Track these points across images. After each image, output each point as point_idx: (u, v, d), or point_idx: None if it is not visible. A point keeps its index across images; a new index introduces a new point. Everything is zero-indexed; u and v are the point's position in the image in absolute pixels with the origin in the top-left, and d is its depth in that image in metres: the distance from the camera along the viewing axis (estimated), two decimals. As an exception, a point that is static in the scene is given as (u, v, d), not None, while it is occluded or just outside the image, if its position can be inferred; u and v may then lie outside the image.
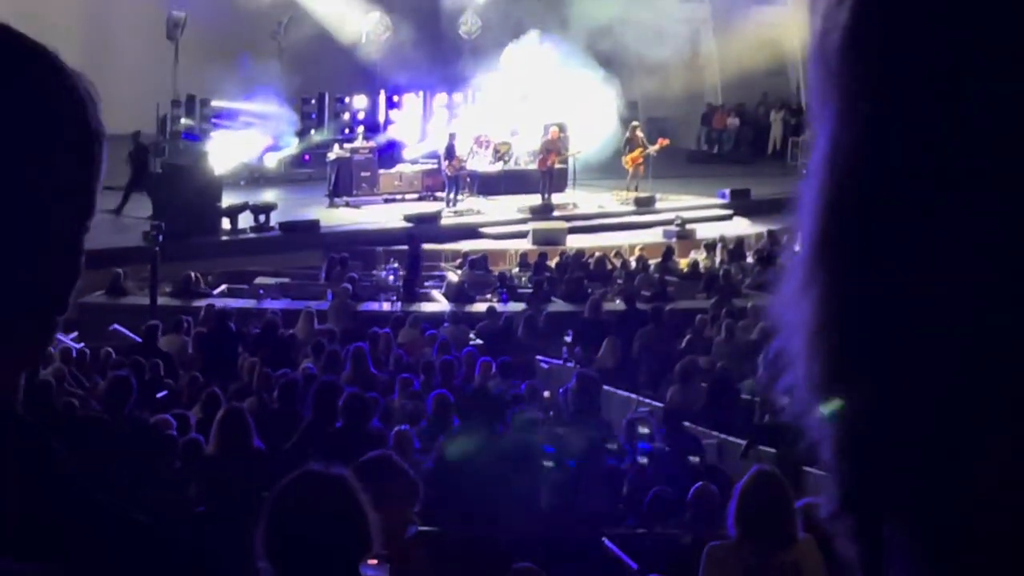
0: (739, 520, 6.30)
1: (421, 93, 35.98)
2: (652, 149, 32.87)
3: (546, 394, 14.92)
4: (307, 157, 34.68)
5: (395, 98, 36.08)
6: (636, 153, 32.71)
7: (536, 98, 34.17)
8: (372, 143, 33.62)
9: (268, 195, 30.72)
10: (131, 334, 19.86)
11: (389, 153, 34.10)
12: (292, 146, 34.65)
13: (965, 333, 0.78)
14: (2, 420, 1.29)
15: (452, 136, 32.18)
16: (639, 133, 33.23)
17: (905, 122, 0.80)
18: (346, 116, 35.47)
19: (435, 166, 32.78)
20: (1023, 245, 0.76)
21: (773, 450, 13.11)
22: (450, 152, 31.56)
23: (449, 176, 31.52)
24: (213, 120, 33.91)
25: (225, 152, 31.70)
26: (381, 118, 35.71)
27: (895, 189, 0.81)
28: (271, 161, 33.95)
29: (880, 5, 0.82)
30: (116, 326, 20.74)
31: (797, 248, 0.88)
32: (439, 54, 37.01)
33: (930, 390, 0.79)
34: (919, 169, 0.80)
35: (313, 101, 35.75)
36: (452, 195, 31.38)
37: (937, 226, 0.79)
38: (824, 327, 0.84)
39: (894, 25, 0.81)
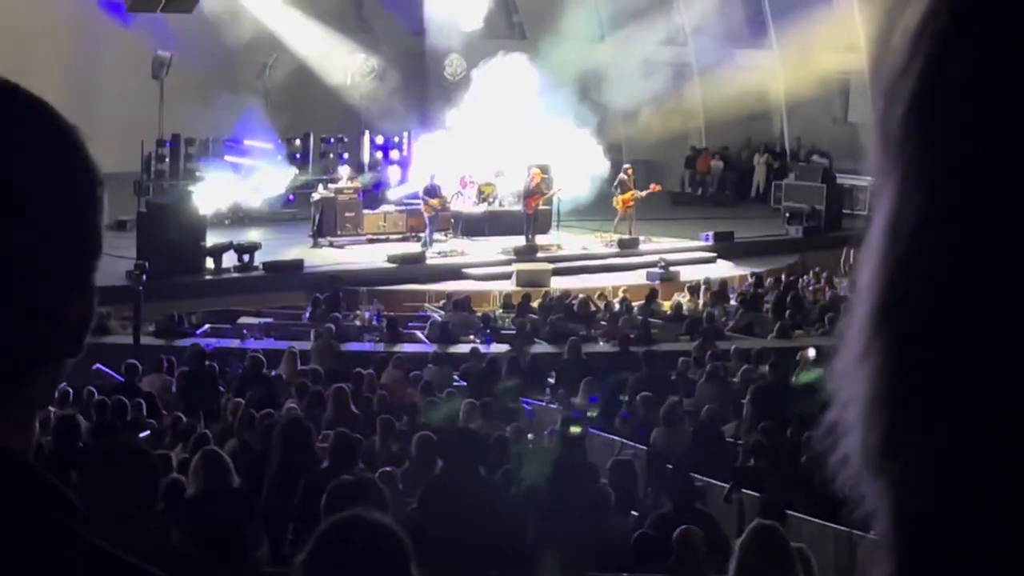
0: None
1: (405, 134, 36.06)
2: (643, 194, 32.90)
3: (530, 436, 14.92)
4: (291, 197, 34.68)
5: (379, 139, 36.15)
6: (627, 196, 32.75)
7: (519, 135, 34.19)
8: (356, 183, 33.63)
9: (252, 235, 30.71)
10: (114, 374, 19.79)
11: (373, 193, 34.13)
12: (277, 185, 34.62)
13: None
14: (15, 471, 1.30)
15: (432, 177, 32.23)
16: (630, 175, 33.27)
17: (974, 193, 0.80)
18: (331, 156, 35.51)
19: (419, 206, 32.82)
20: None
21: (756, 494, 13.11)
22: (429, 192, 31.63)
23: (429, 216, 31.56)
24: (198, 159, 33.93)
25: (210, 191, 31.69)
26: (365, 159, 35.76)
27: (960, 263, 0.80)
28: (256, 200, 33.92)
29: (952, 76, 0.81)
30: (99, 365, 20.67)
31: (856, 319, 0.86)
32: (424, 96, 37.13)
33: (986, 468, 0.79)
34: (987, 242, 0.79)
35: (298, 141, 35.78)
36: (429, 235, 31.41)
37: (1001, 302, 0.79)
38: (881, 398, 0.84)
39: (967, 93, 0.80)
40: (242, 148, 34.27)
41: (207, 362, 19.35)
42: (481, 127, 34.51)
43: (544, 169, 33.20)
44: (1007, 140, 0.78)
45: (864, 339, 0.84)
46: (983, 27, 0.81)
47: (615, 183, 33.21)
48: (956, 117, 0.81)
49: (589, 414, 16.63)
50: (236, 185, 33.15)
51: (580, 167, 34.25)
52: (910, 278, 0.82)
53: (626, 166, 33.87)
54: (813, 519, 12.16)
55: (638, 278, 29.89)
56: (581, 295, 27.17)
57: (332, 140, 35.73)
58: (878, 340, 0.83)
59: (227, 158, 33.89)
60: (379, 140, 36.09)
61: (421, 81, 39.05)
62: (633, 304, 26.33)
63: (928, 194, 0.82)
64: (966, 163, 0.80)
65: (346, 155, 35.53)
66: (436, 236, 31.80)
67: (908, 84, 0.83)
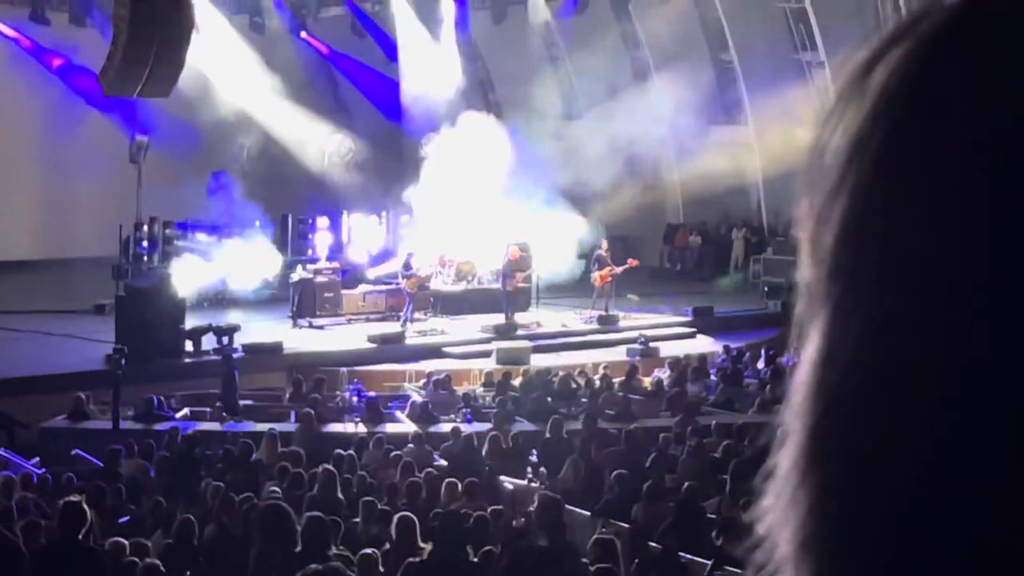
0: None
1: (384, 213, 36.14)
2: (620, 270, 33.03)
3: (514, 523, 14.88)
4: (270, 278, 34.67)
5: (358, 218, 36.22)
6: (605, 272, 32.86)
7: (495, 212, 34.29)
8: (335, 264, 33.70)
9: (231, 317, 30.67)
10: (93, 459, 19.72)
11: (352, 274, 34.17)
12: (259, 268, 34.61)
13: (964, 554, 0.77)
14: None
15: (410, 255, 32.28)
16: (607, 250, 33.41)
17: (910, 320, 0.79)
18: (309, 237, 35.54)
19: (398, 286, 32.87)
20: None
21: (739, 571, 13.06)
22: (407, 268, 31.68)
23: (410, 293, 31.58)
24: (177, 242, 33.92)
25: (189, 274, 31.69)
26: (344, 239, 35.80)
27: (895, 396, 0.79)
28: (235, 282, 33.91)
29: (879, 199, 0.82)
30: (78, 451, 20.58)
31: (786, 453, 0.85)
32: (401, 176, 37.24)
33: None
34: (926, 373, 0.78)
35: (276, 223, 35.81)
36: (409, 313, 31.41)
37: (938, 436, 0.78)
38: (813, 537, 0.82)
39: (896, 217, 0.81)
40: (219, 229, 34.26)
41: (186, 446, 19.29)
42: (455, 201, 34.61)
43: (522, 247, 33.29)
44: (940, 273, 0.78)
45: (793, 483, 0.83)
46: (916, 154, 0.81)
47: (592, 259, 33.32)
48: (891, 236, 0.81)
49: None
50: (214, 267, 33.13)
51: (558, 244, 34.36)
52: (841, 424, 0.81)
53: (602, 242, 33.99)
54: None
55: (618, 355, 29.90)
56: (561, 372, 27.15)
57: (311, 221, 35.74)
58: (806, 486, 0.82)
59: (203, 239, 33.87)
60: (357, 220, 36.12)
61: (398, 161, 39.21)
62: (614, 381, 26.32)
63: (864, 321, 0.81)
64: (900, 299, 0.79)
65: (323, 235, 35.50)
66: (417, 315, 31.79)
67: (838, 208, 0.83)
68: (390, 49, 40.36)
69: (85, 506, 11.02)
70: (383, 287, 33.88)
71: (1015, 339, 0.76)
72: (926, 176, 0.80)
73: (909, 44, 0.84)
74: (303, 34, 39.55)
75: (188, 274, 31.32)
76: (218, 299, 33.31)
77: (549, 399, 24.34)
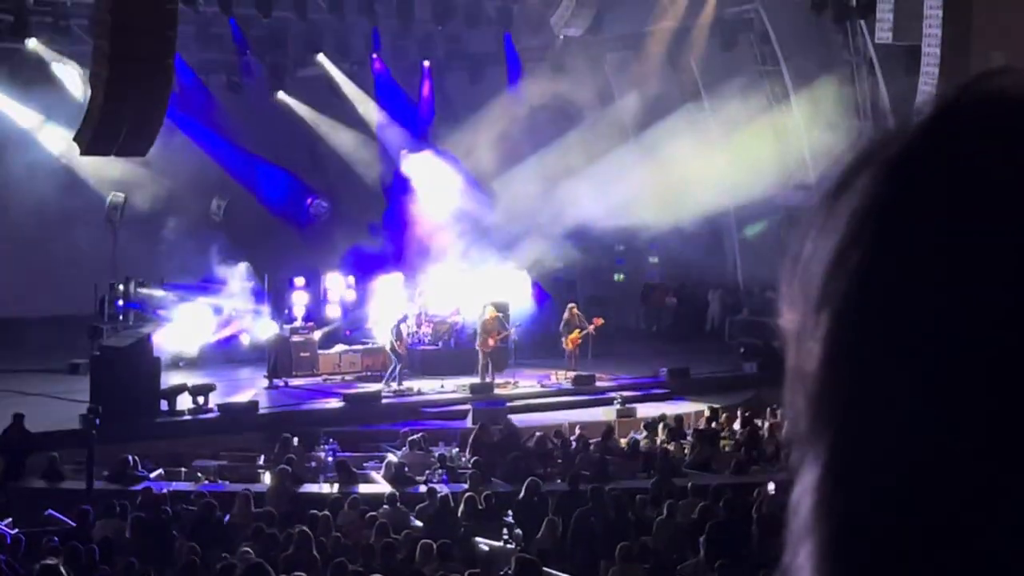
0: None
1: (360, 274, 36.16)
2: (590, 328, 33.14)
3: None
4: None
5: (334, 279, 36.22)
6: (575, 334, 32.97)
7: (472, 273, 34.39)
8: (311, 324, 33.70)
9: (207, 376, 30.60)
10: (67, 519, 19.60)
11: (329, 334, 34.14)
12: (232, 326, 34.56)
13: None
14: None
15: (401, 320, 32.22)
16: (576, 313, 33.50)
17: (886, 443, 0.83)
18: (285, 297, 35.49)
19: (374, 346, 32.86)
20: None
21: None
22: (397, 333, 31.58)
23: (400, 354, 31.46)
24: (153, 303, 33.87)
25: (167, 334, 31.65)
26: (321, 298, 35.80)
27: (887, 521, 0.83)
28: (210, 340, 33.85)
29: (861, 324, 0.85)
30: (51, 511, 20.45)
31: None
32: (380, 234, 37.28)
33: None
34: (911, 497, 0.82)
35: (253, 282, 35.76)
36: (397, 371, 31.29)
37: (935, 552, 0.81)
38: None
39: (878, 343, 0.84)
40: (196, 289, 34.23)
41: (160, 506, 19.20)
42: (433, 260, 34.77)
43: (499, 307, 33.33)
44: (926, 402, 0.81)
45: None
46: (893, 282, 0.84)
47: (562, 325, 33.38)
48: (872, 375, 0.84)
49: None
50: (190, 326, 33.10)
51: (531, 304, 34.53)
52: (846, 533, 0.85)
53: (571, 305, 34.05)
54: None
55: (594, 415, 29.88)
56: (538, 433, 27.12)
57: (287, 281, 35.71)
58: None
59: (178, 298, 33.84)
60: (335, 280, 36.13)
61: (376, 222, 39.26)
62: (590, 441, 26.29)
63: (852, 491, 0.84)
64: (881, 414, 0.82)
65: (300, 295, 35.48)
66: (393, 375, 31.64)
67: (821, 331, 0.86)
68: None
69: (62, 568, 10.99)
70: (359, 347, 33.86)
71: (1006, 468, 0.79)
72: (903, 305, 0.83)
73: (877, 168, 0.86)
74: (280, 94, 39.64)
75: (164, 334, 31.28)
76: (193, 358, 33.23)
77: (525, 460, 24.30)
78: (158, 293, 34.13)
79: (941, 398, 0.80)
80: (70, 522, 19.10)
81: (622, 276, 42.02)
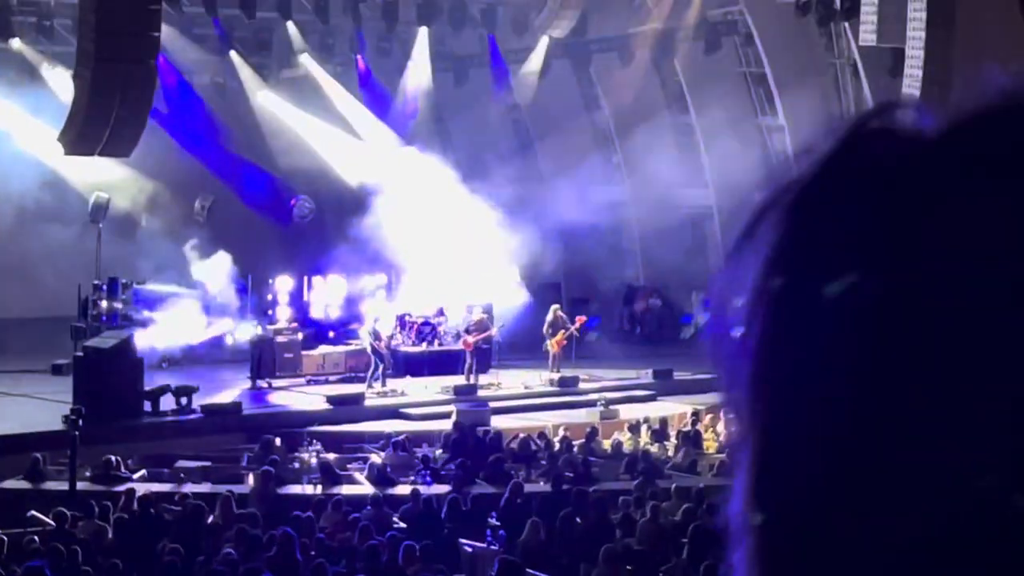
0: None
1: (345, 273, 36.12)
2: (573, 329, 33.17)
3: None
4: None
5: (318, 279, 36.18)
6: (560, 336, 32.97)
7: (456, 272, 34.40)
8: (295, 324, 33.67)
9: (190, 377, 30.56)
10: (50, 520, 19.56)
11: (312, 334, 34.11)
12: (216, 328, 34.48)
13: None
14: None
15: (376, 319, 32.19)
16: (560, 315, 33.50)
17: (793, 456, 0.90)
18: (269, 297, 35.44)
19: (358, 347, 32.82)
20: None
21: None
22: (376, 334, 31.55)
23: (382, 353, 31.41)
24: (136, 303, 33.79)
25: (150, 335, 31.59)
26: (305, 299, 35.75)
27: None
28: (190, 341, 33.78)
29: (774, 346, 0.91)
30: (34, 512, 20.42)
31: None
32: (363, 235, 37.24)
33: None
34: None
35: (236, 282, 35.71)
36: (380, 372, 31.22)
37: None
38: None
39: (786, 363, 0.91)
40: (178, 291, 34.16)
41: (143, 507, 19.17)
42: (416, 259, 34.75)
43: (485, 308, 33.36)
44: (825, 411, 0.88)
45: None
46: (799, 309, 0.90)
47: (546, 327, 33.38)
48: (778, 390, 0.91)
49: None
50: (174, 326, 33.04)
51: (517, 306, 34.52)
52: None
53: (555, 307, 34.05)
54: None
55: (578, 417, 29.88)
56: (521, 434, 27.14)
57: (271, 281, 35.65)
58: None
59: (161, 298, 33.78)
60: (318, 280, 36.09)
61: (360, 222, 39.21)
62: (573, 443, 26.30)
63: (763, 503, 0.91)
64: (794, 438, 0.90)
65: (284, 296, 35.43)
66: (375, 375, 31.58)
67: (749, 347, 0.93)
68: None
69: (47, 572, 10.98)
70: (343, 348, 33.84)
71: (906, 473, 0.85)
72: (807, 326, 0.89)
73: (788, 199, 0.92)
74: (264, 94, 39.62)
75: (147, 334, 31.22)
76: (177, 359, 33.17)
77: (509, 461, 24.32)
78: (145, 290, 34.02)
79: (835, 416, 0.86)
80: (53, 523, 19.07)
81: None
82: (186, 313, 33.59)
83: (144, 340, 30.59)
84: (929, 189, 0.86)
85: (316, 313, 35.51)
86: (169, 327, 32.98)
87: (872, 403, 0.85)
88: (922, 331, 0.84)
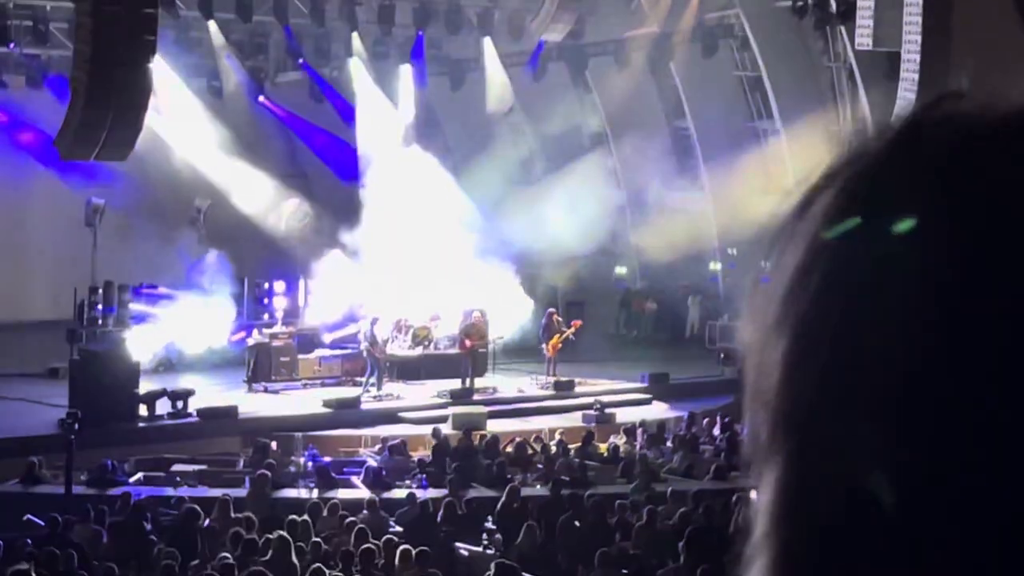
0: None
1: (340, 277, 36.06)
2: (569, 332, 33.16)
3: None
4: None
5: (314, 283, 36.13)
6: (555, 340, 32.96)
7: (452, 276, 34.39)
8: (291, 328, 33.63)
9: (186, 381, 30.54)
10: (45, 524, 19.53)
11: (308, 338, 34.07)
12: (212, 332, 34.43)
13: None
14: None
15: (374, 322, 32.12)
16: (556, 319, 33.49)
17: (834, 467, 0.86)
18: (265, 301, 35.43)
19: (354, 351, 32.78)
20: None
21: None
22: (371, 337, 31.49)
23: (378, 359, 31.37)
24: (133, 307, 33.72)
25: (145, 338, 31.57)
26: (301, 303, 35.72)
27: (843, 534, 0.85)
28: (187, 346, 33.74)
29: (821, 334, 0.88)
30: (30, 516, 20.39)
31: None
32: (359, 238, 37.25)
33: None
34: (864, 507, 0.84)
35: (233, 286, 35.68)
36: (374, 378, 31.19)
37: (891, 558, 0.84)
38: None
39: (837, 351, 0.87)
40: (172, 294, 34.10)
41: (139, 511, 19.15)
42: (410, 261, 34.74)
43: (482, 313, 33.37)
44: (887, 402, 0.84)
45: None
46: (852, 295, 0.87)
47: (541, 329, 33.36)
48: (828, 384, 0.87)
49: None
50: (168, 331, 33.01)
51: (515, 310, 34.50)
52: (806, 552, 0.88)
53: (551, 310, 34.05)
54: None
55: (574, 420, 29.87)
56: (518, 438, 27.12)
57: (267, 285, 35.63)
58: None
59: (157, 302, 33.75)
60: (314, 284, 36.04)
61: (357, 225, 39.22)
62: (570, 447, 26.29)
63: (800, 514, 0.88)
64: (848, 436, 0.85)
65: (280, 299, 35.40)
66: (371, 379, 31.51)
67: (782, 344, 0.89)
68: (347, 113, 40.48)
69: (34, 574, 10.94)
70: (339, 352, 33.81)
71: (965, 471, 0.82)
72: (862, 315, 0.86)
73: (837, 190, 0.90)
74: (260, 98, 39.62)
75: (143, 338, 31.20)
76: (172, 363, 33.15)
77: (505, 465, 24.30)
78: (137, 297, 33.98)
79: (889, 426, 0.83)
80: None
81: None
82: (182, 317, 33.55)
83: (140, 344, 30.57)
84: (989, 175, 0.86)
85: (312, 317, 35.46)
86: (165, 331, 32.96)
87: (958, 412, 0.83)
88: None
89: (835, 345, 0.86)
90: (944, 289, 0.83)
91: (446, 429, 28.12)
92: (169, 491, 22.99)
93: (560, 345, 33.09)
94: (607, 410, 30.22)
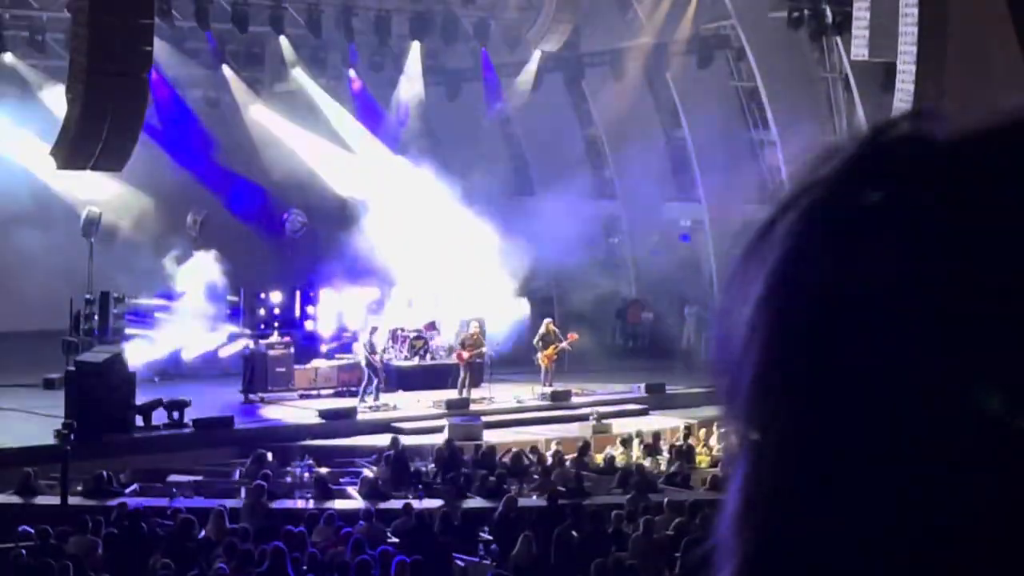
0: None
1: (337, 287, 36.08)
2: (565, 344, 33.14)
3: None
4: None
5: (311, 293, 36.14)
6: (551, 351, 32.93)
7: (448, 287, 34.41)
8: (287, 338, 33.60)
9: (182, 391, 30.50)
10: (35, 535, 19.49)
11: (304, 348, 34.06)
12: (208, 342, 34.42)
13: None
14: None
15: (373, 331, 32.07)
16: (552, 328, 33.47)
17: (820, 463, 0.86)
18: (262, 311, 35.39)
19: (351, 361, 32.76)
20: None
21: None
22: (371, 346, 31.45)
23: (376, 367, 31.31)
24: (128, 317, 33.71)
25: (142, 349, 31.55)
26: (297, 313, 35.71)
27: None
28: (185, 354, 33.72)
29: (784, 351, 0.89)
30: (25, 527, 20.35)
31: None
32: (356, 248, 37.25)
33: None
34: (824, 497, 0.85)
35: (229, 296, 35.65)
36: (375, 386, 31.11)
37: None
38: None
39: (794, 368, 0.88)
40: (168, 305, 34.08)
41: (134, 522, 19.11)
42: (409, 273, 34.76)
43: (480, 323, 33.37)
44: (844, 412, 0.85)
45: None
46: (809, 314, 0.88)
47: (537, 339, 33.35)
48: (790, 395, 0.88)
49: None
50: (164, 341, 32.99)
51: (510, 320, 34.49)
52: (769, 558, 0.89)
53: (547, 320, 34.02)
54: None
55: (570, 431, 29.87)
56: (514, 448, 27.11)
57: (263, 295, 35.60)
58: None
59: (155, 312, 33.75)
60: (311, 294, 36.03)
61: (352, 235, 39.22)
62: (566, 457, 26.28)
63: (761, 523, 0.89)
64: (807, 445, 0.87)
65: (276, 309, 35.39)
66: (369, 389, 31.46)
67: (750, 360, 0.90)
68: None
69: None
70: (336, 362, 33.78)
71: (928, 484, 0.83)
72: (817, 332, 0.87)
73: (795, 215, 0.90)
74: (256, 108, 39.63)
75: (139, 349, 31.17)
76: (170, 373, 33.11)
77: (501, 475, 24.28)
78: (137, 304, 33.96)
79: (851, 443, 0.85)
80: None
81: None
82: (178, 327, 33.53)
83: (136, 354, 30.54)
84: (947, 192, 0.86)
85: (308, 327, 35.47)
86: (161, 341, 32.94)
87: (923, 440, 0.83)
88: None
89: (800, 371, 0.87)
90: (903, 313, 0.84)
91: (442, 440, 28.13)
92: (165, 502, 22.96)
93: (556, 356, 33.04)
94: (604, 420, 30.23)
